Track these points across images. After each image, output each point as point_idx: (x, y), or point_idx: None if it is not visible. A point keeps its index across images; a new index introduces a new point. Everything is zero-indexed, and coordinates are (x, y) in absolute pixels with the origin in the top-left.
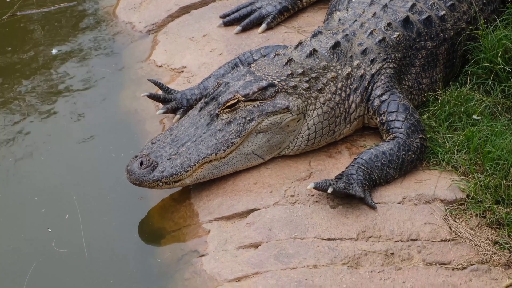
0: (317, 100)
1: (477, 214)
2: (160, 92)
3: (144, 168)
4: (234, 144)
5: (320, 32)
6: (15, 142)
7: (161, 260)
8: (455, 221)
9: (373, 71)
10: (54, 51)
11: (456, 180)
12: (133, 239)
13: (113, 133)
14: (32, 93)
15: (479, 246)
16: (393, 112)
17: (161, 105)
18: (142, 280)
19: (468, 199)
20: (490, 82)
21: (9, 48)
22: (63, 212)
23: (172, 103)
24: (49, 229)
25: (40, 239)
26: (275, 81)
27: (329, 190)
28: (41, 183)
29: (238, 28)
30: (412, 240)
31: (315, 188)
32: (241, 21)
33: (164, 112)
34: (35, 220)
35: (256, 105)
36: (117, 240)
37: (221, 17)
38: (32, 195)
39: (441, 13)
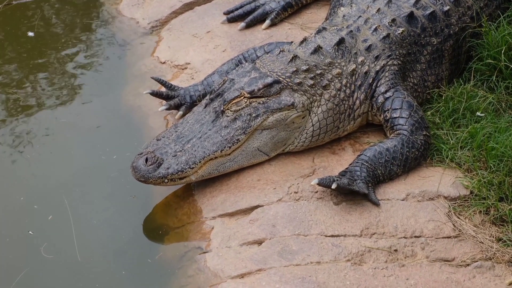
0: (322, 97)
1: (480, 211)
2: (163, 89)
3: (150, 165)
4: (240, 141)
5: (324, 29)
6: (15, 138)
7: (164, 257)
8: (459, 218)
9: (378, 68)
10: (30, 34)
11: (459, 177)
12: (137, 235)
13: (116, 129)
14: (34, 89)
15: (482, 243)
16: (397, 109)
17: (164, 101)
18: (146, 277)
19: (472, 196)
20: (494, 79)
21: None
22: (62, 210)
23: (175, 99)
24: (30, 232)
25: (47, 234)
26: (280, 78)
27: (333, 186)
28: (43, 179)
29: (242, 24)
30: (415, 236)
31: (318, 184)
32: (245, 17)
33: (167, 109)
34: (38, 214)
35: (261, 102)
36: (121, 236)
37: (224, 14)
38: (34, 191)
39: (446, 8)
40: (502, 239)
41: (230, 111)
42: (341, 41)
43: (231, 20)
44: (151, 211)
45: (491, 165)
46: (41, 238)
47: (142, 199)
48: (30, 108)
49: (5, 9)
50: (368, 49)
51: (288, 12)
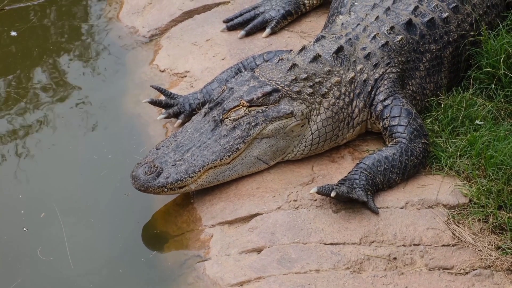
0: (321, 105)
1: (479, 219)
2: (162, 97)
3: (149, 174)
4: (239, 149)
5: (323, 37)
6: (14, 145)
7: (164, 265)
8: (458, 226)
9: (376, 76)
10: (13, 33)
11: (458, 185)
12: (137, 243)
13: (116, 137)
14: (33, 96)
15: (481, 251)
16: (396, 117)
17: (163, 109)
18: (146, 285)
19: (471, 204)
20: (493, 87)
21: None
22: (59, 214)
23: (174, 108)
24: (24, 229)
25: (48, 233)
26: (279, 86)
27: (332, 194)
28: (43, 184)
29: (242, 32)
30: (414, 244)
31: (318, 192)
32: (245, 25)
33: (165, 117)
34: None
35: (260, 111)
36: (121, 244)
37: (224, 22)
38: (34, 196)
39: (444, 15)
40: (501, 247)
41: (229, 120)
42: (340, 49)
43: (231, 28)
44: (150, 219)
45: (490, 173)
46: (36, 239)
47: (144, 207)
48: (29, 115)
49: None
50: (367, 57)
51: (288, 20)
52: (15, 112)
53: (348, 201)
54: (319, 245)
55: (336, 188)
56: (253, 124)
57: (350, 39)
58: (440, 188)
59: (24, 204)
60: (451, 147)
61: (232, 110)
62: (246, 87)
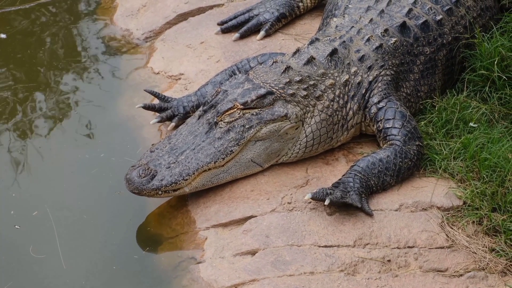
0: (315, 108)
1: (473, 221)
2: (156, 100)
3: (143, 177)
4: (233, 152)
5: (317, 39)
6: (8, 145)
7: (158, 267)
8: (452, 228)
9: (371, 78)
10: (2, 36)
11: (452, 187)
12: (131, 245)
13: (111, 140)
14: (28, 98)
15: (475, 253)
16: (390, 119)
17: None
18: (140, 287)
19: (465, 206)
20: (487, 90)
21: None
22: (53, 215)
23: (168, 111)
24: (16, 226)
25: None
26: (274, 89)
27: (326, 202)
28: (37, 183)
29: (236, 35)
30: (409, 247)
31: (312, 198)
32: (239, 28)
33: (159, 121)
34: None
35: (254, 113)
36: (115, 246)
37: (218, 24)
38: (30, 199)
39: (438, 17)
40: (495, 249)
41: (224, 122)
42: (334, 52)
43: (225, 31)
44: (144, 221)
45: (484, 175)
46: (28, 238)
47: (138, 209)
48: (23, 116)
49: None
50: (361, 59)
51: (282, 23)
52: (8, 113)
53: (342, 205)
54: (313, 248)
55: (330, 194)
56: (247, 126)
57: (344, 41)
58: (434, 191)
59: (17, 203)
60: (445, 150)
61: (226, 112)
62: (240, 89)
